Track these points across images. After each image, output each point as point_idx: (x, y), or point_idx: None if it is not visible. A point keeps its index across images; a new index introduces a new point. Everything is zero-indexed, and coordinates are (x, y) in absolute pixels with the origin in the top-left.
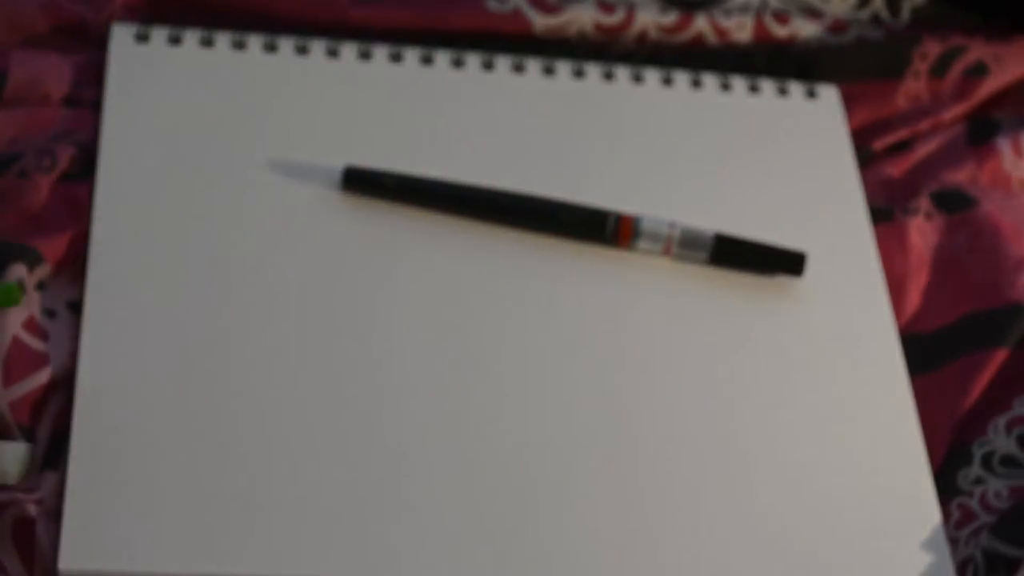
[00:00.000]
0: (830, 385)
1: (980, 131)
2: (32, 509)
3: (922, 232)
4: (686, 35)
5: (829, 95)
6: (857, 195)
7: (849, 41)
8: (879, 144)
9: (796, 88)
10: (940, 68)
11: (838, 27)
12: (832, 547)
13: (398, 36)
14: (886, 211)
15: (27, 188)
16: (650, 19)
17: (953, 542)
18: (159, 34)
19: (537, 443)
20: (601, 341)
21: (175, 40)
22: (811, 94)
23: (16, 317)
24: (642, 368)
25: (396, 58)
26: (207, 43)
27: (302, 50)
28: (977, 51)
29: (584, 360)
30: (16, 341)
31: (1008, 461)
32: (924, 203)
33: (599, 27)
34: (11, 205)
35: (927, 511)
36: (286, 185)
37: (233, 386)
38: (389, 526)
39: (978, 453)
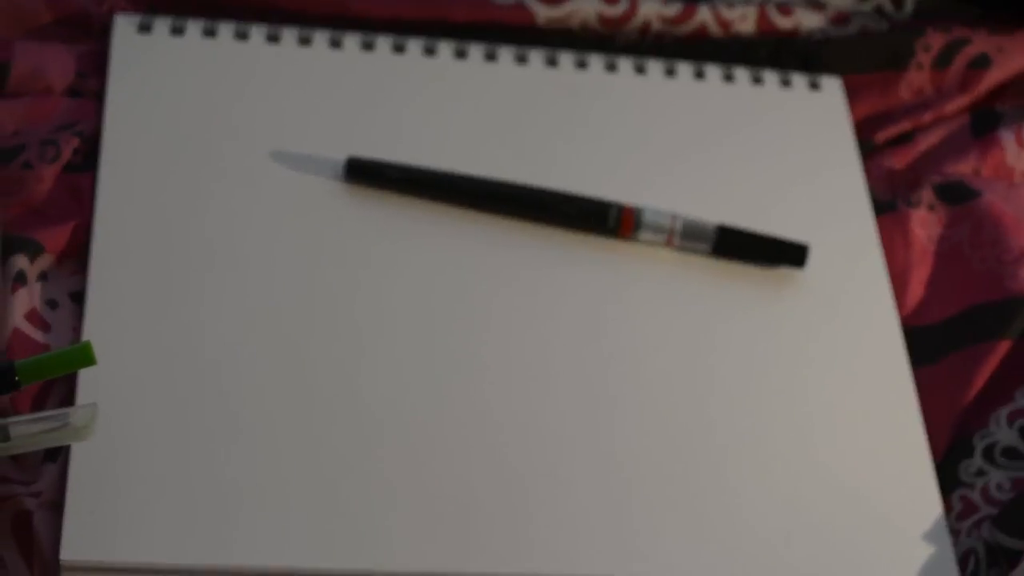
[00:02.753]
0: (832, 377)
1: (983, 123)
2: (30, 502)
3: (925, 224)
4: (689, 26)
5: (832, 87)
6: (860, 187)
7: (852, 33)
8: (882, 136)
9: (799, 80)
10: (943, 60)
11: (841, 19)
12: (834, 538)
13: (401, 27)
14: (889, 203)
15: (31, 179)
16: (653, 10)
17: (955, 534)
18: (162, 25)
19: (539, 433)
20: (602, 331)
21: (177, 31)
22: (814, 86)
23: (18, 308)
24: (644, 359)
25: (399, 49)
26: (209, 34)
27: (305, 41)
28: (980, 43)
29: (586, 351)
30: (17, 332)
31: (1010, 453)
32: (927, 195)
33: (602, 18)
34: (15, 196)
35: (929, 503)
36: (289, 176)
37: (235, 377)
38: (387, 519)
39: (980, 445)
